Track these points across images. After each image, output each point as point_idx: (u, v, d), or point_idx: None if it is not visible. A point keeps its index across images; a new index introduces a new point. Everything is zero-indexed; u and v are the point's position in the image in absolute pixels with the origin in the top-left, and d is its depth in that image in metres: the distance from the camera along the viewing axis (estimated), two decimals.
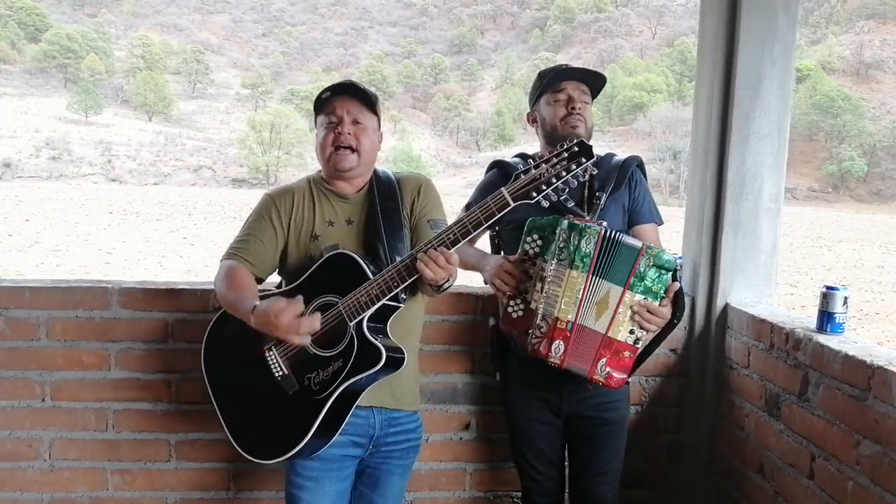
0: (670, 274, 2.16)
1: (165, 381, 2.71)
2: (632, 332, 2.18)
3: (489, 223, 1.96)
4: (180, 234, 25.47)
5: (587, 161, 1.88)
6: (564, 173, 1.89)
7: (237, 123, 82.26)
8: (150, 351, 2.69)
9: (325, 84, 2.37)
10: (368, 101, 2.21)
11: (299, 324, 1.94)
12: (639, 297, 2.15)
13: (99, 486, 2.75)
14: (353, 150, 2.17)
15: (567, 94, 2.44)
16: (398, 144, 73.13)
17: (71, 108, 76.36)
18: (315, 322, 1.97)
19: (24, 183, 53.99)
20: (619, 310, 2.16)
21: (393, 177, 2.32)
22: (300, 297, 2.00)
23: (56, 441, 2.72)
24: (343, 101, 2.18)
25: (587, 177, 1.91)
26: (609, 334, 2.17)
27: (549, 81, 2.48)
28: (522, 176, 1.92)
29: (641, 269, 2.14)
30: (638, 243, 2.14)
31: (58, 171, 64.29)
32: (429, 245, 1.96)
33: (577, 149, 1.89)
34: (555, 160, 1.90)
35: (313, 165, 2.33)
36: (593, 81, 2.49)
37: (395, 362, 2.07)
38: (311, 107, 2.33)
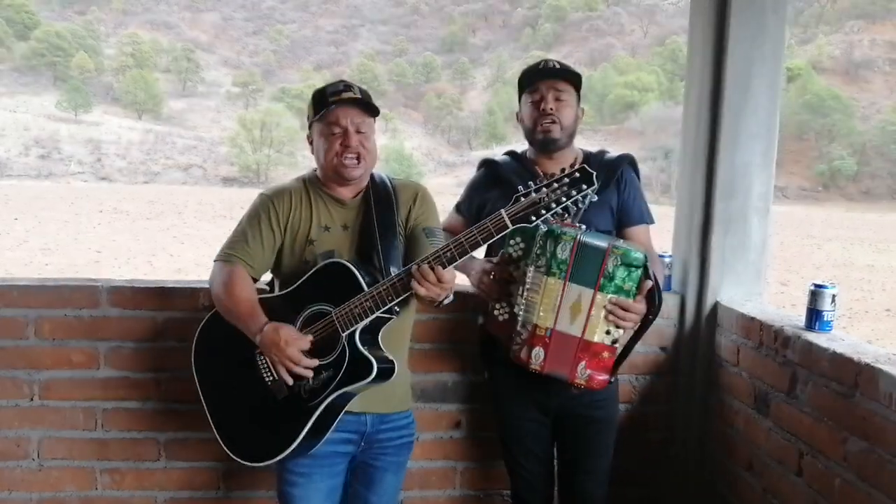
0: (640, 270, 2.15)
1: (155, 380, 2.70)
2: (608, 332, 2.17)
3: (487, 244, 1.97)
4: (170, 233, 25.35)
5: (587, 188, 1.89)
6: (564, 199, 1.89)
7: (228, 122, 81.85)
8: (139, 350, 2.68)
9: (317, 83, 2.37)
10: (368, 107, 2.19)
11: (301, 361, 2.01)
12: (610, 296, 2.15)
13: (88, 486, 2.74)
14: (360, 159, 2.17)
15: (540, 94, 2.42)
16: (389, 143, 72.90)
17: (60, 107, 75.84)
18: (307, 369, 2.03)
19: (12, 182, 53.63)
20: (592, 312, 2.15)
21: (389, 183, 2.31)
22: (310, 337, 2.05)
23: (44, 440, 2.70)
24: (346, 111, 2.16)
25: (587, 203, 1.91)
26: (585, 337, 2.17)
27: (525, 82, 2.47)
28: (522, 199, 1.92)
29: (609, 269, 2.12)
30: (603, 243, 2.13)
31: (47, 170, 63.86)
32: (425, 262, 1.96)
33: (577, 175, 1.89)
34: (556, 185, 1.90)
35: (304, 164, 2.34)
36: (565, 77, 2.45)
37: (385, 373, 2.07)
38: (303, 105, 2.31)
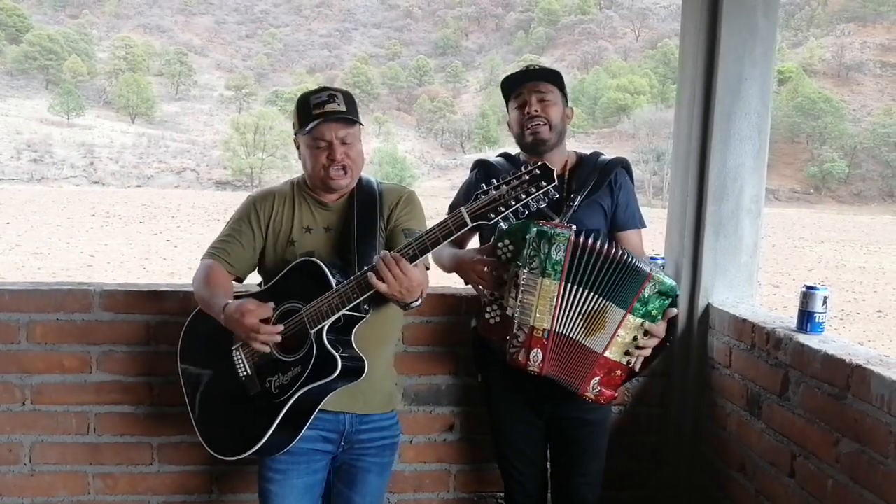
0: (670, 300, 2.18)
1: (147, 384, 2.69)
2: (627, 352, 2.20)
3: (447, 241, 1.96)
4: (163, 237, 25.32)
5: (548, 185, 1.88)
6: (524, 196, 1.88)
7: (221, 125, 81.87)
8: (131, 353, 2.67)
9: (310, 86, 2.37)
10: (352, 118, 2.18)
11: (260, 328, 2.00)
12: (638, 320, 2.17)
13: (80, 491, 2.73)
14: (346, 170, 2.18)
15: (523, 98, 2.43)
16: (383, 146, 72.97)
17: (52, 110, 75.71)
18: (275, 333, 2.02)
19: (4, 185, 53.47)
20: (619, 332, 2.17)
21: (376, 186, 2.31)
22: (271, 304, 2.06)
23: (37, 445, 2.69)
24: (330, 126, 2.15)
25: (546, 201, 1.91)
26: (606, 354, 2.19)
27: (508, 88, 2.49)
28: (482, 196, 1.92)
29: (646, 295, 2.15)
30: (646, 268, 2.15)
31: (39, 174, 63.72)
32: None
33: (537, 172, 1.89)
34: (515, 182, 1.90)
35: (297, 167, 2.34)
36: (545, 77, 2.45)
37: (353, 372, 2.08)
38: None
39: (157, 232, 26.73)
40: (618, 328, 2.17)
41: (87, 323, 2.65)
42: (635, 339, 2.19)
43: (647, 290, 2.15)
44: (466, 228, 1.94)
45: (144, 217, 32.36)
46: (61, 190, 53.24)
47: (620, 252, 2.16)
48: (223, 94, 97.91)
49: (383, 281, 1.94)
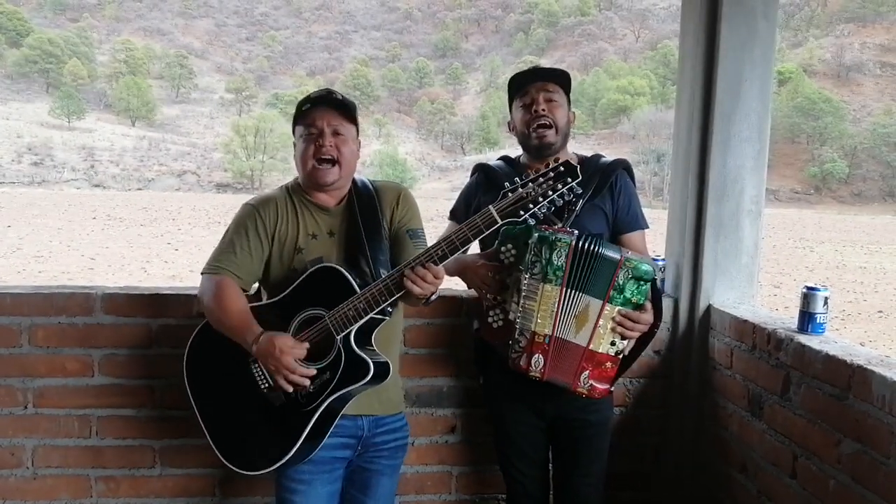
0: (649, 284, 2.17)
1: (149, 387, 2.69)
2: (613, 343, 2.19)
3: (476, 240, 2.00)
4: (164, 240, 25.29)
5: (573, 181, 1.92)
6: (550, 192, 1.93)
7: (221, 128, 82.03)
8: (133, 357, 2.67)
9: (310, 88, 2.38)
10: (347, 110, 2.20)
11: (296, 369, 2.01)
12: (619, 308, 2.16)
13: (83, 494, 2.73)
14: (334, 163, 2.17)
15: (530, 97, 2.43)
16: (383, 148, 73.07)
17: (53, 114, 75.82)
18: (307, 376, 2.03)
19: (5, 189, 53.51)
20: (600, 322, 2.17)
21: (371, 185, 2.32)
22: (306, 344, 2.05)
23: (39, 448, 2.69)
24: (322, 113, 2.16)
25: (572, 196, 1.95)
26: (591, 347, 2.18)
27: (515, 87, 2.49)
28: (510, 194, 1.96)
29: (620, 282, 2.14)
30: (616, 255, 2.14)
31: (40, 177, 63.78)
32: (417, 261, 1.99)
33: (562, 169, 1.93)
34: (541, 179, 1.94)
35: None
36: (554, 78, 2.47)
37: (381, 374, 2.08)
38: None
39: (158, 235, 26.71)
40: (598, 319, 2.17)
41: (88, 326, 2.65)
42: (618, 327, 2.18)
43: (621, 277, 2.14)
44: (496, 226, 1.97)
45: (145, 220, 32.35)
46: (62, 193, 53.29)
47: (584, 242, 2.14)
48: (223, 97, 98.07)
49: (419, 287, 1.99)
